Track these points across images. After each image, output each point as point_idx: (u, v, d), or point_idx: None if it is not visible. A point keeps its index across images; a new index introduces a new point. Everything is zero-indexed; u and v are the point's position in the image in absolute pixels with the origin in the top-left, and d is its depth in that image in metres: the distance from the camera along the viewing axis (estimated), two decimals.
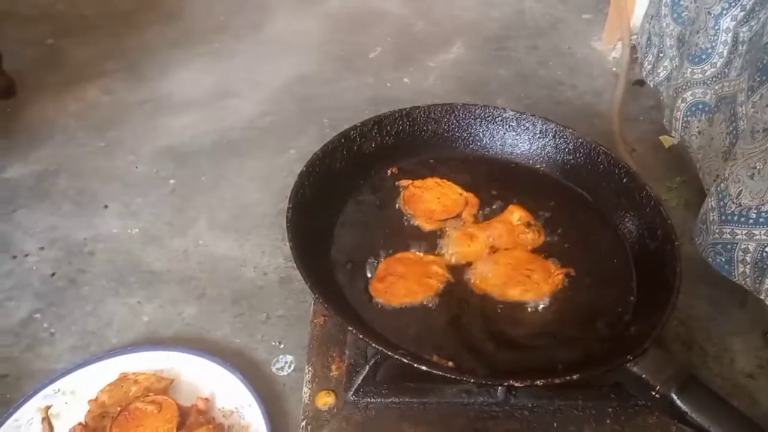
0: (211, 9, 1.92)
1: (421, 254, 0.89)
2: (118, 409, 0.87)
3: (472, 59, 1.73)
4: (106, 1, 1.92)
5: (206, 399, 0.90)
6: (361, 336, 0.69)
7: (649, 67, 1.40)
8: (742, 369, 1.04)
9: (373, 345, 0.67)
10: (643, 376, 0.68)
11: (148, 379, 0.92)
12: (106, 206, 1.28)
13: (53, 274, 1.15)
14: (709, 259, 1.03)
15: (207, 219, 1.27)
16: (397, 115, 0.99)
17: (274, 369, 1.01)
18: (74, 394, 0.92)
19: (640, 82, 1.57)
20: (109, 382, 0.92)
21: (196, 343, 1.04)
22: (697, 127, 1.22)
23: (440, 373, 0.67)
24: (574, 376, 0.65)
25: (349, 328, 0.71)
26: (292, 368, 1.01)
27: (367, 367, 0.76)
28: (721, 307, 1.11)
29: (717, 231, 1.01)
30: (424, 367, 0.66)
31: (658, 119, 1.40)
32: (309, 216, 0.84)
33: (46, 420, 0.89)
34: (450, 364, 0.72)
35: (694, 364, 1.04)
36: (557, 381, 0.65)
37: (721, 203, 1.01)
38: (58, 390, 0.92)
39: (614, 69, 1.66)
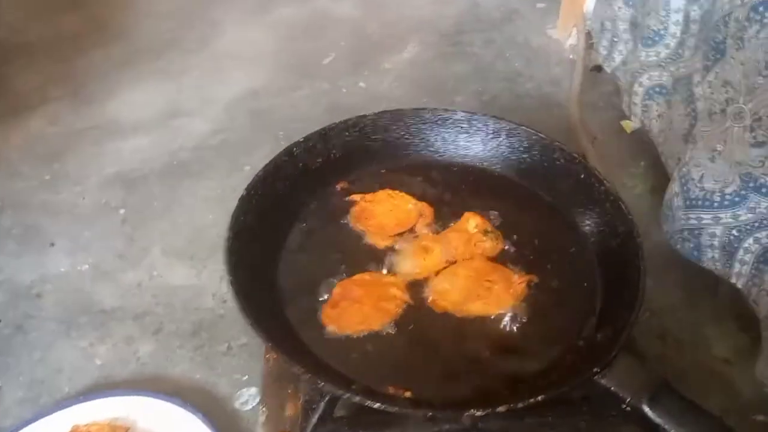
0: (158, 26, 1.85)
1: (379, 274, 0.84)
2: None
3: (428, 57, 1.69)
4: (49, 26, 1.84)
5: None
6: (308, 376, 0.64)
7: (605, 52, 1.38)
8: (718, 355, 1.01)
9: (321, 385, 0.63)
10: (612, 388, 0.65)
11: (101, 430, 0.87)
12: (52, 243, 1.22)
13: None
14: (678, 246, 1.01)
15: (160, 247, 1.21)
16: (342, 126, 0.94)
17: (237, 404, 0.96)
18: None
19: (598, 68, 1.54)
20: None
21: (154, 383, 0.98)
22: (656, 110, 1.19)
23: (395, 408, 0.62)
24: (539, 398, 0.61)
25: (295, 368, 0.66)
26: (256, 401, 0.95)
27: (323, 404, 0.72)
28: (694, 294, 1.09)
29: (683, 217, 0.98)
30: (377, 405, 0.62)
31: (618, 104, 1.36)
32: (252, 243, 0.79)
33: None
34: (408, 394, 0.68)
35: (668, 356, 1.01)
36: (521, 405, 0.61)
37: (685, 188, 0.98)
38: None
39: (571, 56, 1.63)
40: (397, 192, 0.95)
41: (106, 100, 1.57)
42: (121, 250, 1.21)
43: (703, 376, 0.98)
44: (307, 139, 0.92)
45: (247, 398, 0.96)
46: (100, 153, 1.42)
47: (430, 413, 0.65)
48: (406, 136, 0.99)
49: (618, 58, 1.33)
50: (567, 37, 1.68)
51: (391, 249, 0.88)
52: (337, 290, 0.81)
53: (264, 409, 0.79)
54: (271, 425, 0.77)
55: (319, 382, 0.64)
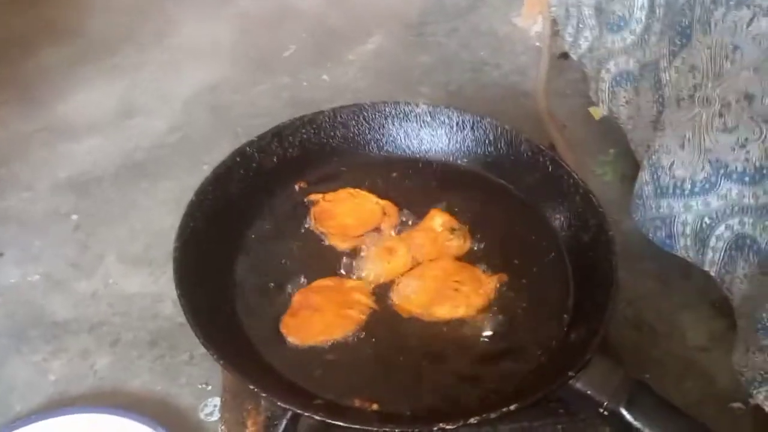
0: (111, 21, 1.77)
1: (341, 279, 0.80)
2: None
3: (393, 48, 1.65)
4: None
5: None
6: (264, 395, 0.60)
7: (570, 39, 1.35)
8: (694, 343, 1.00)
9: (279, 404, 0.59)
10: (589, 392, 0.62)
11: None
12: (1, 254, 1.16)
13: None
14: (650, 235, 0.99)
15: (116, 254, 1.16)
16: (298, 123, 0.90)
17: (202, 415, 0.92)
18: None
19: (565, 55, 1.52)
20: None
21: (112, 397, 0.94)
22: (624, 97, 1.18)
23: (358, 426, 0.59)
24: (511, 408, 0.58)
25: (250, 387, 0.62)
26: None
27: (285, 421, 0.68)
28: (668, 282, 1.08)
29: (654, 205, 0.97)
30: (339, 422, 0.58)
31: (586, 91, 1.34)
32: (204, 251, 0.74)
33: None
34: (375, 406, 0.64)
35: (644, 346, 0.99)
36: (492, 416, 0.58)
37: (655, 176, 0.97)
38: None
39: (537, 44, 1.61)
40: (358, 190, 0.90)
41: (57, 101, 1.50)
42: (74, 258, 1.15)
43: (679, 365, 0.97)
44: (260, 138, 0.87)
45: (212, 409, 0.92)
46: (51, 156, 1.36)
47: (397, 430, 0.61)
48: (367, 132, 0.95)
49: (584, 45, 1.31)
50: (532, 24, 1.66)
51: (354, 251, 0.84)
52: (296, 298, 0.77)
53: (223, 426, 0.75)
54: None
55: (276, 402, 0.60)
